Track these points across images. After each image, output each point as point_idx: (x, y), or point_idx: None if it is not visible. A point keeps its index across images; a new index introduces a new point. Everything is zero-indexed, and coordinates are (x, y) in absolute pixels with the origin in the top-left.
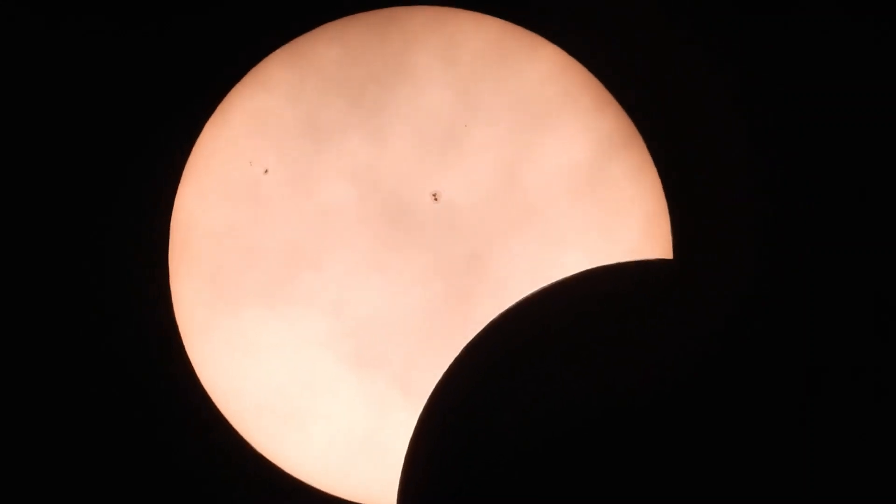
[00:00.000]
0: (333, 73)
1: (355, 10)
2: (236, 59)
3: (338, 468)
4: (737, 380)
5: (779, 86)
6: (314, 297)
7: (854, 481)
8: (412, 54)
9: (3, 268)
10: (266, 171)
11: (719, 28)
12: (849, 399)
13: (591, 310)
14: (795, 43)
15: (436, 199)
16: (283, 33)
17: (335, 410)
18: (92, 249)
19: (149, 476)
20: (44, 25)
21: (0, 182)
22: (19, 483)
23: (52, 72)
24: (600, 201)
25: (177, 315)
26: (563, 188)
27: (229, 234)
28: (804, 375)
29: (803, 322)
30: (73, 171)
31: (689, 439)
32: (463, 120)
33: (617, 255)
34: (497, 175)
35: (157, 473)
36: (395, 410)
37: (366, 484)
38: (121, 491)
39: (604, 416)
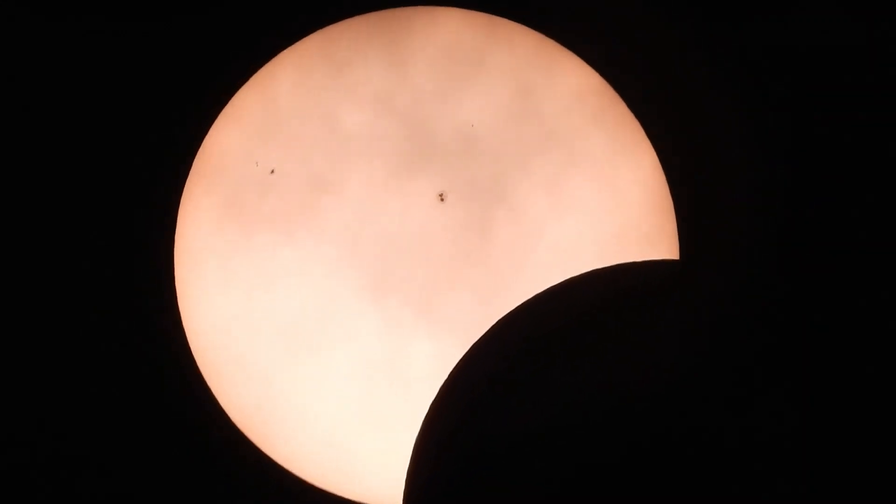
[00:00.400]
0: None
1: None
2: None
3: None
4: (741, 379)
5: (781, 86)
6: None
7: (856, 481)
8: None
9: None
10: (273, 171)
11: (721, 28)
12: (850, 399)
13: (598, 309)
14: (797, 42)
15: (442, 200)
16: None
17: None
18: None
19: (150, 473)
20: (44, 24)
21: (4, 179)
22: (23, 482)
23: (55, 70)
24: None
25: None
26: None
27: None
28: (807, 375)
29: (807, 322)
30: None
31: (692, 438)
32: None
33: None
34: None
35: (158, 472)
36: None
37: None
38: (122, 490)
39: (610, 415)
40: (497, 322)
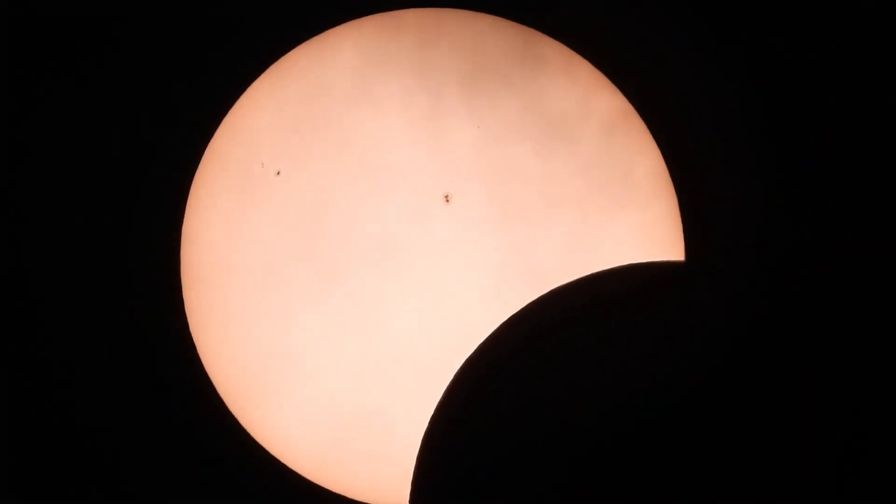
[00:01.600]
0: None
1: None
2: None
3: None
4: (745, 380)
5: (788, 86)
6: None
7: (858, 481)
8: None
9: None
10: (278, 173)
11: (726, 28)
12: (853, 399)
13: (603, 309)
14: (801, 41)
15: (447, 201)
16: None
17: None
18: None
19: (148, 470)
20: (48, 23)
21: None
22: (25, 480)
23: (56, 68)
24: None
25: None
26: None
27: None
28: (812, 376)
29: (811, 322)
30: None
31: (697, 436)
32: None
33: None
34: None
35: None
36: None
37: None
38: (121, 491)
39: (613, 414)
40: (503, 323)
